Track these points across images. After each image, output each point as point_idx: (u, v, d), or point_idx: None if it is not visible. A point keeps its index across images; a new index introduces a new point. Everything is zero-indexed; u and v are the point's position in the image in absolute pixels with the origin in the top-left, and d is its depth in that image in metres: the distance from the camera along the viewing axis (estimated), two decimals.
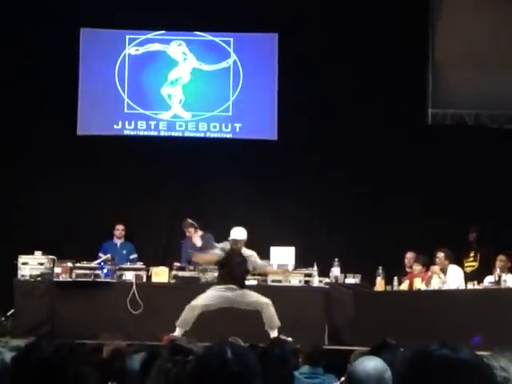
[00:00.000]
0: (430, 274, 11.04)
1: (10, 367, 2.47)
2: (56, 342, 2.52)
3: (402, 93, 13.54)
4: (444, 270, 10.92)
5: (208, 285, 11.33)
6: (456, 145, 13.56)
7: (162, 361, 3.36)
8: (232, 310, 10.67)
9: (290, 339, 9.38)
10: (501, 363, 2.76)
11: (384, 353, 3.99)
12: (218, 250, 10.62)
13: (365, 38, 13.60)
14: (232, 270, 10.51)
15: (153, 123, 14.05)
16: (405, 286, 11.29)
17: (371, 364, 3.71)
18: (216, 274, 11.34)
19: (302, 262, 11.85)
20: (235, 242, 10.50)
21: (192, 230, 12.16)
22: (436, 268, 10.95)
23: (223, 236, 12.81)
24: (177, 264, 11.86)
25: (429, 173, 13.59)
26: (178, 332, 10.13)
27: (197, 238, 12.16)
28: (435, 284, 10.87)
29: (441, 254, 10.94)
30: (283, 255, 11.75)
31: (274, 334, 10.23)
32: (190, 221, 12.18)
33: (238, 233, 10.56)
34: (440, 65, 13.71)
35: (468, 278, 11.08)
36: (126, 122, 14.02)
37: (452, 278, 10.87)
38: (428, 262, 11.31)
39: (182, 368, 3.12)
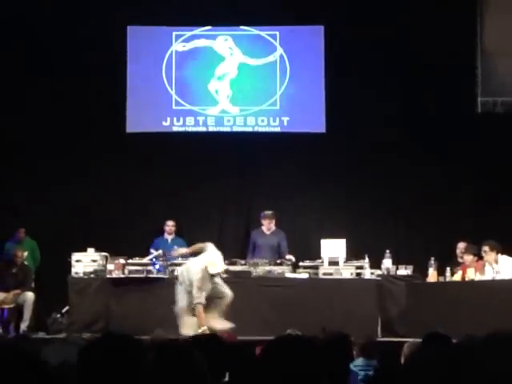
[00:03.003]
0: (483, 263, 10.94)
1: (75, 362, 2.50)
2: (121, 337, 2.54)
3: (452, 82, 13.42)
4: (495, 261, 10.81)
5: (259, 279, 11.38)
6: (506, 133, 13.40)
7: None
8: (285, 303, 10.71)
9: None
10: None
11: (436, 343, 3.97)
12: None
13: (413, 27, 13.47)
14: None
15: (201, 119, 14.10)
16: (458, 277, 11.20)
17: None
18: (267, 268, 11.46)
19: (353, 254, 11.82)
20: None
21: (274, 221, 12.48)
22: (488, 257, 10.84)
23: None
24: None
25: (480, 161, 13.46)
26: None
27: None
28: (488, 274, 10.77)
29: (486, 248, 10.80)
30: (334, 248, 11.74)
31: None
32: (271, 212, 12.54)
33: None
34: (489, 53, 13.56)
35: None
36: (175, 119, 14.08)
37: (504, 268, 10.76)
38: (479, 252, 11.22)
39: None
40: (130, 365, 2.42)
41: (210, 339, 3.91)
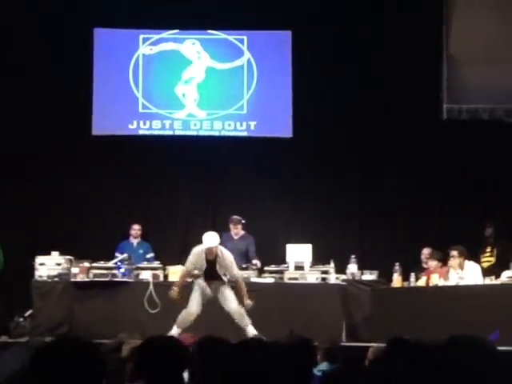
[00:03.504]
0: (447, 268, 11.02)
1: (29, 367, 2.47)
2: (75, 341, 2.52)
3: (417, 88, 13.48)
4: (461, 267, 10.89)
5: None
6: (471, 140, 13.50)
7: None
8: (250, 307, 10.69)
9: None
10: None
11: (400, 348, 3.99)
12: (188, 264, 10.53)
13: (379, 33, 13.56)
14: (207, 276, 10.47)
15: (167, 122, 14.07)
16: (422, 282, 11.26)
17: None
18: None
19: (318, 259, 11.84)
20: (209, 250, 10.34)
21: (239, 226, 12.42)
22: (453, 262, 10.92)
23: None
24: None
25: (444, 168, 13.55)
26: (175, 331, 10.13)
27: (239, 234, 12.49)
28: (452, 280, 10.84)
29: (454, 253, 10.88)
30: (300, 253, 11.74)
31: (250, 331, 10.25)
32: (237, 217, 12.44)
33: (210, 240, 10.37)
34: (455, 59, 13.64)
35: (485, 273, 11.04)
36: (141, 122, 14.03)
37: (469, 274, 10.83)
38: (443, 258, 11.29)
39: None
40: (84, 368, 2.40)
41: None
